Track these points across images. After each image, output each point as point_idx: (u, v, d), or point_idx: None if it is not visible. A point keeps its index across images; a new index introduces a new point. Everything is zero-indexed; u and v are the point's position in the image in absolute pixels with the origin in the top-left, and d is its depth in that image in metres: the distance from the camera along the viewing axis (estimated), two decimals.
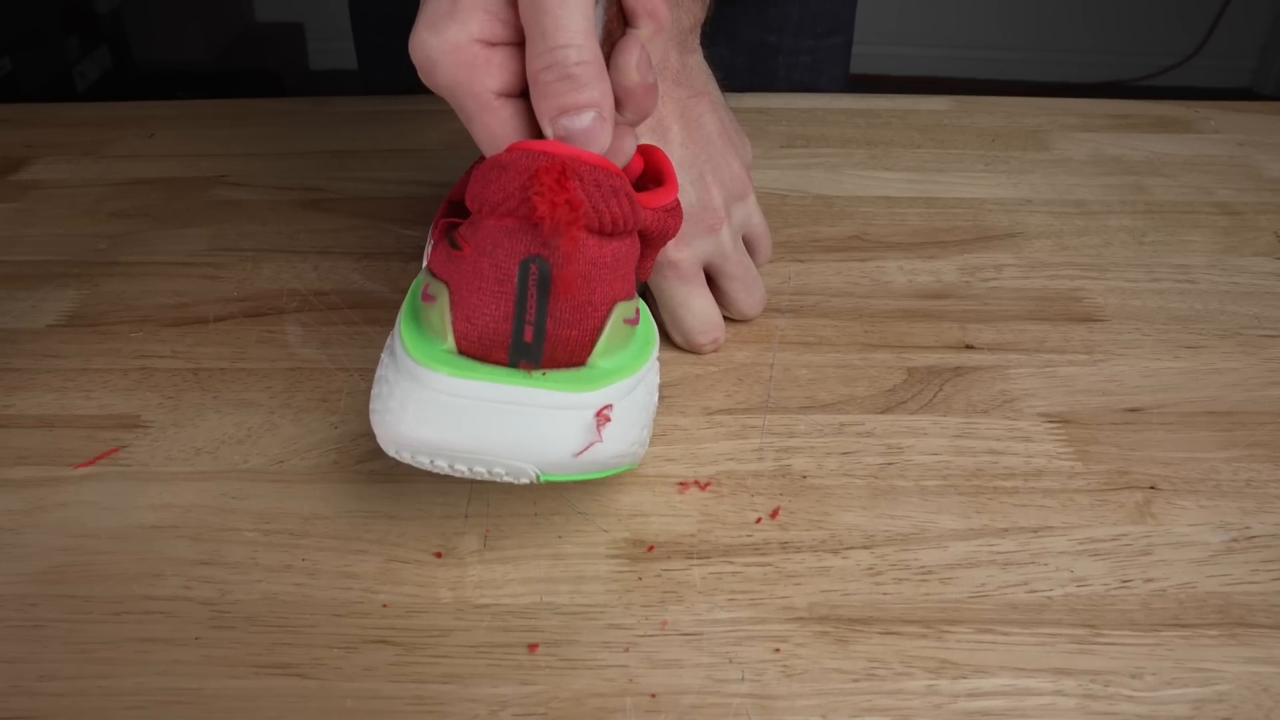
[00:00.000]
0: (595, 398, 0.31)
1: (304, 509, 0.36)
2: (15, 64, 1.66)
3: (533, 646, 0.32)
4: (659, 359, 0.43)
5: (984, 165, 0.60)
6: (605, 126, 0.30)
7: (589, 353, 0.31)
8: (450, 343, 0.30)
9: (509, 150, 0.29)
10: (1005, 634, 0.32)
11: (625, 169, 0.34)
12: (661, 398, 0.42)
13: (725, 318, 0.45)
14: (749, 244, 0.46)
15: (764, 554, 0.35)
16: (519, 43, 0.31)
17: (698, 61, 0.44)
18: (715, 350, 0.44)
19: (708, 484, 0.38)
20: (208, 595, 0.33)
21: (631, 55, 0.32)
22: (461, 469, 0.31)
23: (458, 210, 0.37)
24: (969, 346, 0.45)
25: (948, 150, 0.62)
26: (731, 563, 0.34)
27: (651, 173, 0.36)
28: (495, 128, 0.32)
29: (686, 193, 0.42)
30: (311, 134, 0.63)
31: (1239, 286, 0.49)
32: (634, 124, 0.33)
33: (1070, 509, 0.36)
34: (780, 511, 0.36)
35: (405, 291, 0.47)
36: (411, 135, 0.63)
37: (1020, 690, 0.30)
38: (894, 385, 0.42)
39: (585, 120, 0.30)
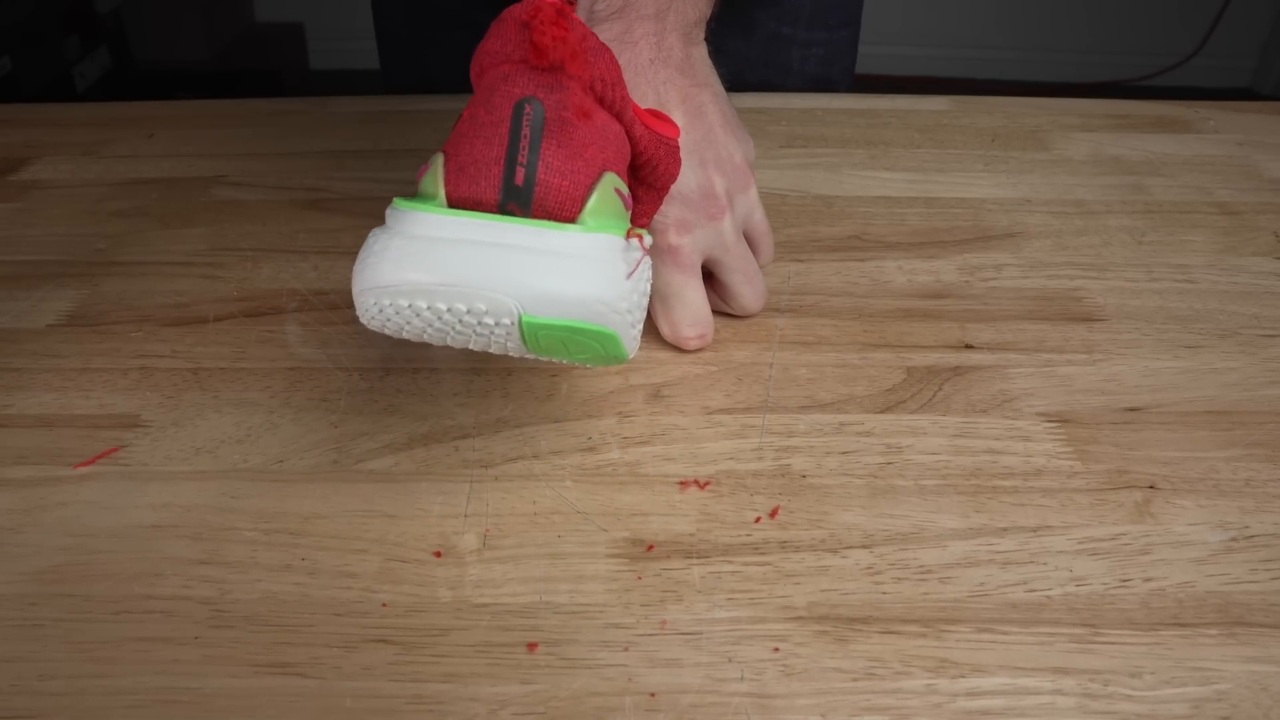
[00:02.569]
0: (593, 239, 0.30)
1: (304, 509, 0.36)
2: (15, 64, 1.66)
3: (532, 646, 0.32)
4: (657, 360, 0.44)
5: (984, 165, 0.60)
6: None
7: (579, 209, 0.30)
8: (441, 196, 0.30)
9: (506, 10, 0.31)
10: (1004, 633, 0.32)
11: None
12: (661, 397, 0.42)
13: (726, 313, 0.45)
14: (751, 242, 0.46)
15: (763, 553, 0.35)
16: None
17: (701, 55, 0.44)
18: (701, 349, 0.44)
19: (707, 483, 0.38)
20: (207, 595, 0.33)
21: None
22: (441, 307, 0.30)
23: None
24: (968, 346, 0.45)
25: (947, 150, 0.62)
26: (731, 562, 0.34)
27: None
28: None
29: (687, 179, 0.42)
30: (311, 134, 0.63)
31: (1238, 286, 0.49)
32: None
33: (1069, 508, 0.37)
34: (780, 511, 0.36)
35: None
36: (412, 135, 0.63)
37: (1019, 689, 0.30)
38: (893, 385, 0.42)
39: None
